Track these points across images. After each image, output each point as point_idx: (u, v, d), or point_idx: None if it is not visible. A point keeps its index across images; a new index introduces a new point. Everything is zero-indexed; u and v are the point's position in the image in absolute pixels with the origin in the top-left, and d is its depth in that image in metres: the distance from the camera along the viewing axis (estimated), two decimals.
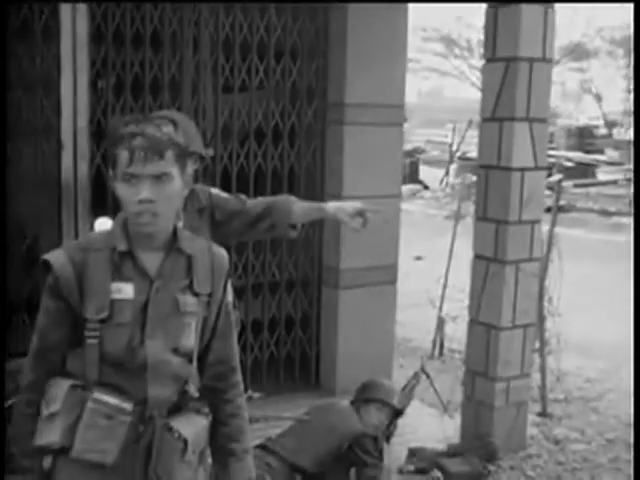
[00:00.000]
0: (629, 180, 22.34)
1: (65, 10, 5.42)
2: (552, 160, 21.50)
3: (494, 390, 5.69)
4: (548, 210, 6.55)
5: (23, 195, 5.54)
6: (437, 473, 5.33)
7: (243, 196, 4.05)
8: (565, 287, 6.91)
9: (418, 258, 13.43)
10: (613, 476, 5.64)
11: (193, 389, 2.67)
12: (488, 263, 5.68)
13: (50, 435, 2.50)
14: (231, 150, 6.25)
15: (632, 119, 26.45)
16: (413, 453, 5.62)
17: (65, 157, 5.51)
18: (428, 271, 9.61)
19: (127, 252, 2.53)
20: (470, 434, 5.82)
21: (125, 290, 2.51)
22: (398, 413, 5.27)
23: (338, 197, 6.27)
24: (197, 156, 3.83)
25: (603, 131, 35.29)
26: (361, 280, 6.70)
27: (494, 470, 5.56)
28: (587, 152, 30.38)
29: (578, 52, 36.25)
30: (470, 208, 7.53)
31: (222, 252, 2.74)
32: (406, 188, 20.31)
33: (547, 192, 6.46)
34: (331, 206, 3.91)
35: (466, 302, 6.05)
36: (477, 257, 5.79)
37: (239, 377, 2.86)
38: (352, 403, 5.20)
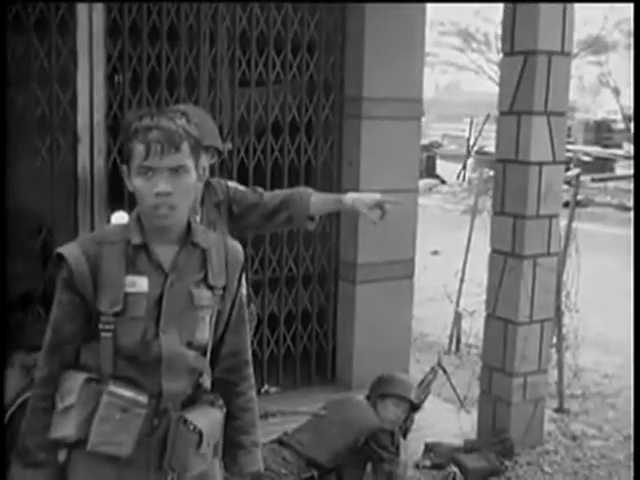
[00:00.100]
0: None
1: (81, 5, 5.42)
2: (570, 154, 21.45)
3: (511, 386, 5.67)
4: (566, 204, 6.53)
5: (39, 189, 5.55)
6: (454, 468, 5.31)
7: (260, 189, 4.04)
8: (583, 282, 6.89)
9: (435, 253, 13.40)
10: (630, 473, 5.61)
11: (207, 382, 2.68)
12: (505, 258, 5.65)
13: (65, 428, 2.51)
14: (248, 144, 6.24)
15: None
16: (430, 448, 5.61)
17: (82, 151, 5.51)
18: (445, 266, 9.58)
19: (141, 245, 2.53)
20: (487, 430, 5.80)
21: (139, 283, 2.51)
22: (415, 408, 5.26)
23: (355, 191, 6.25)
24: (214, 150, 3.81)
25: (621, 125, 35.07)
26: (378, 275, 6.68)
27: (511, 466, 5.54)
28: (605, 146, 30.28)
29: (596, 45, 36.08)
30: (487, 203, 7.52)
31: (237, 245, 2.74)
32: (423, 182, 20.26)
33: (565, 186, 6.42)
34: (349, 197, 3.87)
35: (483, 297, 6.03)
36: (494, 252, 5.77)
37: (251, 370, 2.86)
38: (368, 398, 5.19)
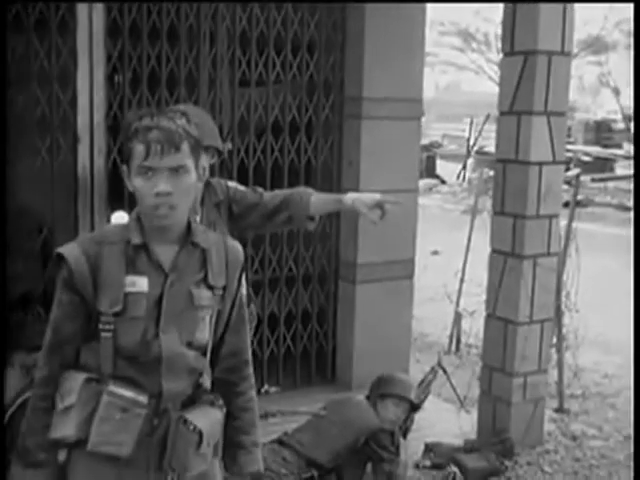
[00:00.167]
0: None
1: (81, 5, 5.42)
2: (570, 154, 21.44)
3: (511, 386, 5.67)
4: (566, 205, 6.53)
5: (39, 189, 5.55)
6: (454, 468, 5.31)
7: (260, 189, 4.04)
8: (583, 282, 6.89)
9: (435, 253, 13.40)
10: (630, 472, 5.61)
11: (207, 382, 2.68)
12: (505, 258, 5.65)
13: (65, 428, 2.51)
14: (248, 144, 6.24)
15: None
16: (430, 448, 5.61)
17: (82, 151, 5.51)
18: (445, 266, 9.58)
19: (141, 245, 2.53)
20: (487, 430, 5.80)
21: (139, 283, 2.51)
22: (415, 408, 5.26)
23: (355, 191, 6.24)
24: (214, 150, 3.81)
25: (621, 125, 35.07)
26: (378, 275, 6.68)
27: (511, 466, 5.54)
28: (605, 146, 30.28)
29: (597, 45, 36.07)
30: (487, 203, 7.51)
31: (237, 245, 2.74)
32: (423, 182, 20.26)
33: (565, 187, 6.42)
34: (349, 197, 3.87)
35: (483, 297, 6.03)
36: (494, 252, 5.77)
37: (251, 370, 2.86)
38: (368, 398, 5.19)
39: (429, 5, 6.74)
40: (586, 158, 25.38)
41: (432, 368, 6.02)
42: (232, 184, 4.03)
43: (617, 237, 15.61)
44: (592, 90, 51.03)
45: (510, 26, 5.53)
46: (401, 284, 6.84)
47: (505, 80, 5.64)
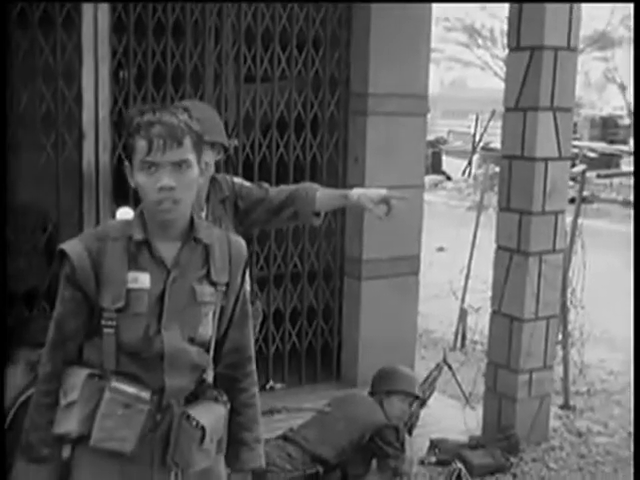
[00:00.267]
0: None
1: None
2: (576, 151, 21.41)
3: (517, 382, 5.67)
4: (572, 201, 6.52)
5: (45, 185, 5.55)
6: (459, 465, 5.30)
7: (265, 184, 4.03)
8: (588, 279, 6.87)
9: (440, 249, 13.40)
10: (631, 470, 5.60)
11: (211, 377, 2.68)
12: (511, 254, 5.64)
13: (68, 424, 2.51)
14: (253, 140, 6.24)
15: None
16: (435, 445, 5.61)
17: (87, 147, 5.51)
18: (450, 262, 9.57)
19: (143, 241, 2.53)
20: (492, 426, 5.80)
21: (141, 279, 2.51)
22: (420, 401, 5.26)
23: (361, 187, 6.23)
24: (220, 146, 3.81)
25: (627, 121, 35.03)
26: (383, 271, 6.68)
27: (516, 462, 5.53)
28: (611, 142, 30.26)
29: (602, 41, 36.02)
30: (493, 199, 7.50)
31: (240, 241, 2.74)
32: (429, 179, 20.25)
33: (571, 183, 6.41)
34: (355, 193, 3.86)
35: (489, 293, 6.03)
36: (500, 248, 5.76)
37: (254, 367, 2.86)
38: (371, 394, 5.18)
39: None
40: (592, 154, 25.35)
41: (437, 365, 6.01)
42: (238, 180, 4.02)
43: (623, 234, 15.55)
44: (598, 86, 51.00)
45: (516, 21, 5.52)
46: (407, 280, 6.83)
47: (511, 76, 5.63)
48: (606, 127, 32.86)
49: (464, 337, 8.40)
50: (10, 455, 2.75)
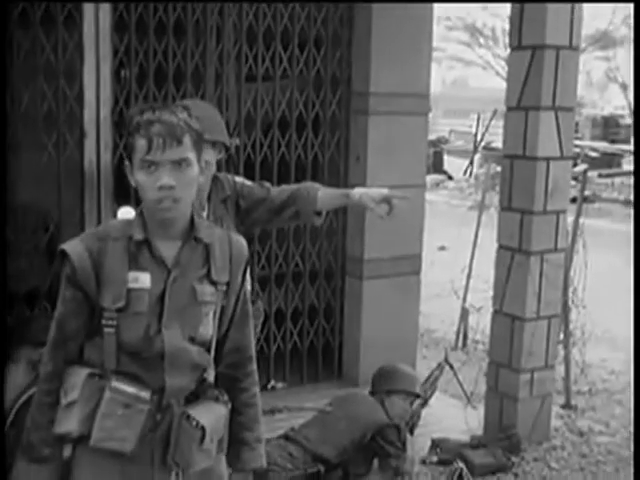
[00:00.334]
0: None
1: None
2: (577, 150, 21.40)
3: (518, 382, 5.66)
4: (573, 200, 6.51)
5: (46, 185, 5.55)
6: (460, 464, 5.29)
7: (267, 184, 4.03)
8: (590, 278, 6.87)
9: (442, 248, 13.39)
10: (631, 469, 5.60)
11: (212, 377, 2.68)
12: (513, 253, 5.64)
13: (68, 423, 2.52)
14: (254, 139, 6.23)
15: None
16: (436, 444, 5.61)
17: (88, 146, 5.51)
18: (452, 262, 9.56)
19: (144, 241, 2.53)
20: (493, 426, 5.80)
21: (142, 279, 2.51)
22: (422, 400, 5.26)
23: (362, 187, 6.22)
24: (221, 145, 3.81)
25: (629, 120, 34.98)
26: (385, 270, 6.67)
27: (517, 462, 5.53)
28: (612, 142, 30.22)
29: (604, 40, 35.99)
30: (494, 198, 7.50)
31: (241, 240, 2.73)
32: (430, 178, 20.25)
33: (572, 182, 6.41)
34: (357, 192, 3.86)
35: (490, 293, 6.02)
36: (501, 247, 5.75)
37: (255, 366, 2.85)
38: (372, 393, 5.18)
39: None
40: (593, 154, 25.33)
41: (439, 364, 6.00)
42: (239, 179, 4.02)
43: (624, 233, 15.54)
44: (600, 85, 50.98)
45: (518, 20, 5.51)
46: (408, 280, 6.83)
47: (513, 75, 5.62)
48: (608, 126, 32.82)
49: (465, 336, 8.40)
50: (12, 453, 2.75)
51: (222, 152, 3.86)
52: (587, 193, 12.24)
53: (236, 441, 2.79)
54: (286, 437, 4.86)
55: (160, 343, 2.51)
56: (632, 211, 17.52)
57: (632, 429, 6.10)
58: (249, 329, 2.80)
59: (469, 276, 8.37)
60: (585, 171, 7.93)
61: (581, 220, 6.76)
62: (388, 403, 5.06)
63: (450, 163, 26.75)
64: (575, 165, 18.47)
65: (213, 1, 5.94)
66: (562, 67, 5.42)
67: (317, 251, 6.63)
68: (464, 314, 8.36)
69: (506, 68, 5.87)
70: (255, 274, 6.14)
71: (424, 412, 5.40)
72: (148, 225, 2.54)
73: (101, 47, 5.48)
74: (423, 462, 5.46)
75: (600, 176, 22.69)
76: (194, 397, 2.63)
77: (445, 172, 25.47)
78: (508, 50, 5.76)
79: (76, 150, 5.51)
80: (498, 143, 20.47)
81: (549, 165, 5.48)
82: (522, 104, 5.51)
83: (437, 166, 25.20)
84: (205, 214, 3.74)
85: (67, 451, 2.55)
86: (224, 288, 2.62)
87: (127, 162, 2.52)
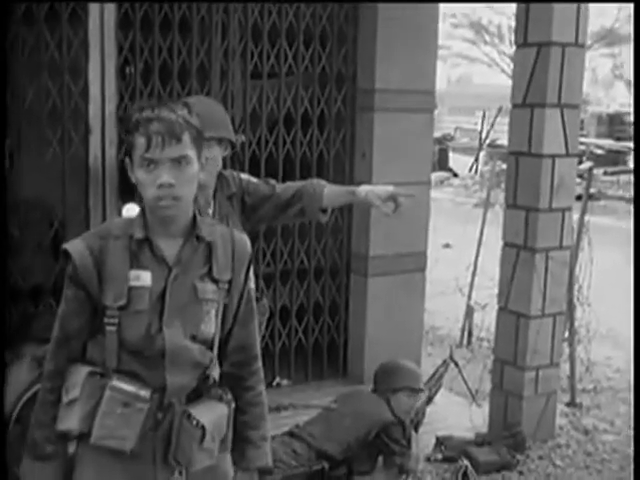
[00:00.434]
0: None
1: None
2: (582, 147, 21.38)
3: (523, 379, 5.66)
4: (578, 198, 6.50)
5: (51, 181, 5.55)
6: (465, 462, 5.29)
7: (273, 181, 4.03)
8: (595, 276, 6.86)
9: (447, 246, 13.38)
10: (631, 468, 5.59)
11: (215, 375, 2.67)
12: (518, 251, 5.63)
13: (69, 421, 2.52)
14: (260, 136, 6.23)
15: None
16: (441, 442, 5.60)
17: (93, 143, 5.51)
18: (457, 259, 9.56)
19: (145, 239, 2.53)
20: (498, 423, 5.79)
21: (143, 277, 2.51)
22: (427, 397, 5.26)
23: (368, 184, 6.22)
24: (227, 142, 3.80)
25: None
26: (390, 267, 6.67)
27: (522, 459, 5.53)
28: (618, 139, 30.16)
29: (610, 38, 35.95)
30: (499, 196, 7.49)
31: (244, 238, 2.73)
32: (435, 175, 20.22)
33: (577, 180, 6.39)
34: (362, 190, 3.85)
35: (495, 290, 6.01)
36: (507, 245, 5.75)
37: (260, 364, 2.84)
38: (375, 391, 5.16)
39: None
40: (599, 151, 25.31)
41: (444, 361, 6.01)
42: (245, 176, 4.01)
43: (629, 231, 15.52)
44: (605, 83, 50.91)
45: (524, 17, 5.50)
46: (413, 277, 6.82)
47: (518, 72, 5.61)
48: (613, 124, 32.75)
49: (470, 334, 8.40)
50: (18, 448, 2.75)
51: (228, 149, 3.85)
52: (592, 191, 12.21)
53: (241, 439, 2.78)
54: (291, 434, 4.86)
55: (161, 341, 2.51)
56: (632, 209, 17.53)
57: (632, 423, 6.10)
58: (254, 327, 2.79)
59: (474, 273, 8.37)
60: (590, 168, 7.91)
61: (586, 218, 6.75)
62: (394, 401, 5.04)
63: (455, 160, 26.75)
64: (580, 162, 18.46)
65: (219, 1, 5.93)
66: (568, 64, 5.41)
67: (322, 248, 6.63)
68: (469, 311, 8.36)
69: (511, 65, 5.87)
70: (260, 271, 6.14)
71: (429, 409, 5.41)
72: (149, 223, 2.54)
73: (106, 44, 5.47)
74: (428, 459, 5.46)
75: (605, 174, 22.67)
76: (196, 396, 2.62)
77: (450, 169, 25.45)
78: (514, 47, 5.74)
79: (81, 146, 5.51)
80: (503, 140, 20.43)
81: (554, 162, 5.47)
82: (527, 101, 5.51)
83: (442, 163, 25.18)
84: (211, 211, 3.73)
85: (72, 448, 2.56)
86: (226, 286, 2.62)
87: (127, 160, 2.52)
